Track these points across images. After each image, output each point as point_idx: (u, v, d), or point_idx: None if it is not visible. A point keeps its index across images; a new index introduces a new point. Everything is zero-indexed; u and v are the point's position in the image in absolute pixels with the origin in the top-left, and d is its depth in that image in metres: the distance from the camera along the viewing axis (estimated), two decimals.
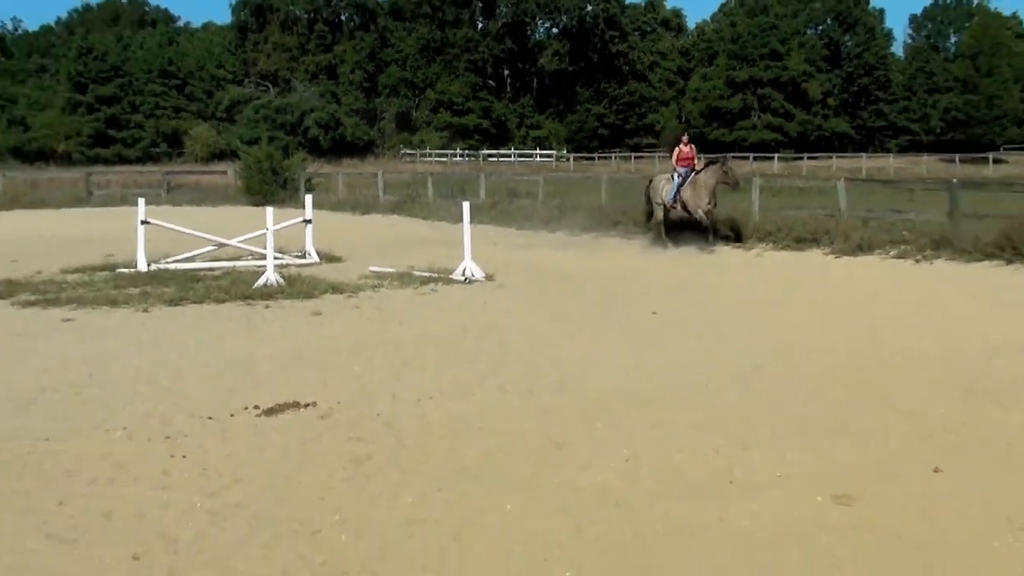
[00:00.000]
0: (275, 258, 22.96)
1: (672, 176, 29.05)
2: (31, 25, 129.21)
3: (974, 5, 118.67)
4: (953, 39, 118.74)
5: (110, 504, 8.47)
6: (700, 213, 27.59)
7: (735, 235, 27.90)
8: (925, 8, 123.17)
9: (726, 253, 26.73)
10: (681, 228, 29.22)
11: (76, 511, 8.34)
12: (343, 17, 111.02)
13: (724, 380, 12.75)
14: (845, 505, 8.21)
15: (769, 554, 7.27)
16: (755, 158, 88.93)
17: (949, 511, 8.05)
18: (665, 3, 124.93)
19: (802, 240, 26.49)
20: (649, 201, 30.04)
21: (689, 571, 7.00)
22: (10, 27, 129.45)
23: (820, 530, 7.71)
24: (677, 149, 29.95)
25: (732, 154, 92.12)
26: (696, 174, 28.12)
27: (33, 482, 9.09)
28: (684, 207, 28.20)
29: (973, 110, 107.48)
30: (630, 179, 47.65)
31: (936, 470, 9.02)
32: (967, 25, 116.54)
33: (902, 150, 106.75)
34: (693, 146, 30.33)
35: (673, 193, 28.44)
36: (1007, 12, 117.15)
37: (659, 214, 29.22)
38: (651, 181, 30.78)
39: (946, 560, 7.09)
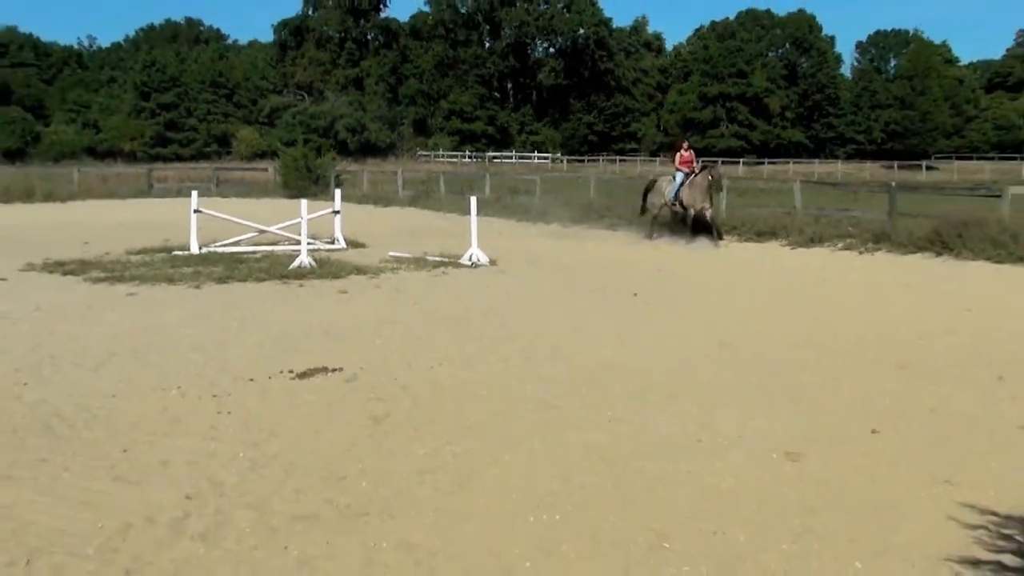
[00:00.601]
0: (308, 243, 22.93)
1: (673, 177, 28.44)
2: (104, 42, 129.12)
3: (910, 34, 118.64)
4: (893, 63, 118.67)
5: (167, 453, 8.50)
6: (694, 211, 27.13)
7: (706, 228, 27.63)
8: (869, 35, 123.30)
9: (697, 243, 26.70)
10: (667, 224, 29.21)
11: (138, 458, 8.38)
12: (369, 37, 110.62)
13: (695, 354, 12.77)
14: (795, 461, 8.23)
15: (730, 503, 7.29)
16: (723, 162, 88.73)
17: (884, 467, 8.07)
18: (647, 27, 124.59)
19: (763, 233, 26.52)
20: (646, 198, 29.44)
21: (662, 517, 7.02)
22: (86, 44, 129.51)
23: (774, 482, 7.74)
24: (679, 154, 29.31)
25: (707, 158, 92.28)
26: (694, 176, 27.53)
27: (102, 432, 9.13)
28: (682, 205, 27.72)
29: (909, 124, 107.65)
30: (615, 179, 47.66)
31: (873, 432, 9.06)
32: (904, 51, 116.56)
33: (849, 157, 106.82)
34: (693, 151, 29.61)
35: (674, 192, 27.93)
36: (938, 41, 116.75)
37: (657, 210, 28.72)
38: (655, 182, 30.11)
39: (880, 508, 7.12)
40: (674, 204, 28.06)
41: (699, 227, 27.22)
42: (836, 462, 8.23)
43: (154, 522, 6.94)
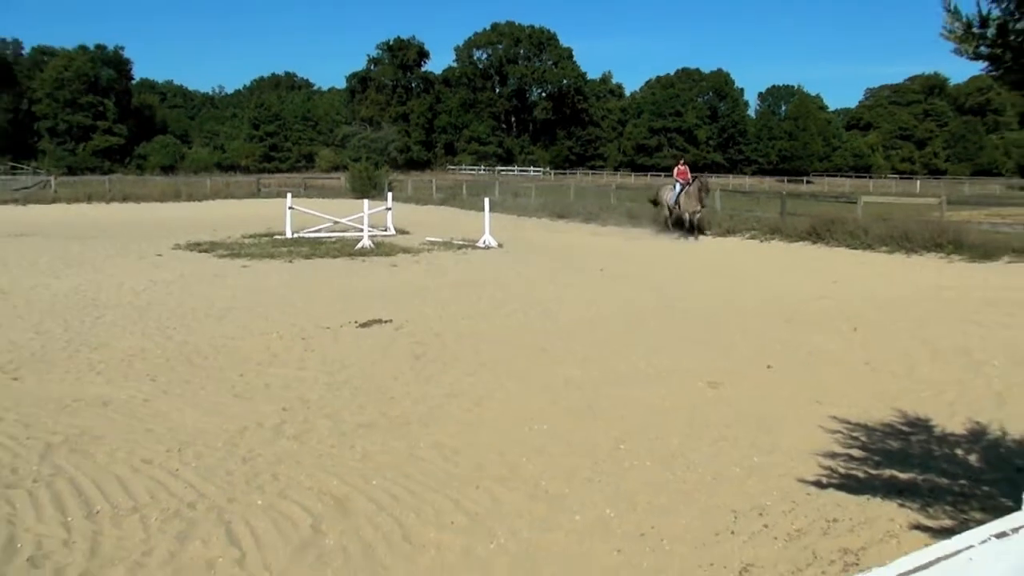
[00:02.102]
0: (368, 231, 22.98)
1: (673, 186, 26.29)
2: (229, 89, 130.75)
3: (795, 88, 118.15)
4: (783, 108, 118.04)
5: (269, 378, 8.54)
6: (688, 214, 24.99)
7: (691, 226, 25.66)
8: (767, 88, 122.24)
9: (645, 232, 26.59)
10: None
11: (250, 381, 8.42)
12: (413, 84, 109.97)
13: (645, 312, 12.78)
14: (714, 388, 8.26)
15: (668, 417, 7.32)
16: (665, 176, 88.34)
17: (775, 393, 8.10)
18: (612, 79, 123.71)
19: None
20: (657, 202, 27.41)
21: (620, 428, 7.05)
22: (217, 90, 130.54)
23: (699, 403, 7.76)
24: (676, 168, 27.30)
25: (651, 173, 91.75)
26: (689, 185, 25.31)
27: (225, 363, 9.17)
28: (680, 208, 25.48)
29: (795, 151, 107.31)
30: (588, 187, 47.49)
31: (768, 367, 9.08)
32: (791, 100, 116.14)
33: (754, 173, 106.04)
34: (688, 167, 27.55)
35: (674, 198, 25.81)
36: (813, 93, 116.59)
37: (664, 213, 26.52)
38: (659, 190, 28.07)
39: (771, 421, 7.15)
40: (674, 207, 25.90)
41: (684, 225, 25.52)
42: (742, 389, 8.25)
43: (262, 426, 7.00)
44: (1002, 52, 3.07)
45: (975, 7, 3.09)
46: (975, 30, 3.10)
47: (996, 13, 3.05)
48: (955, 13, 3.11)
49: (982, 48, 3.13)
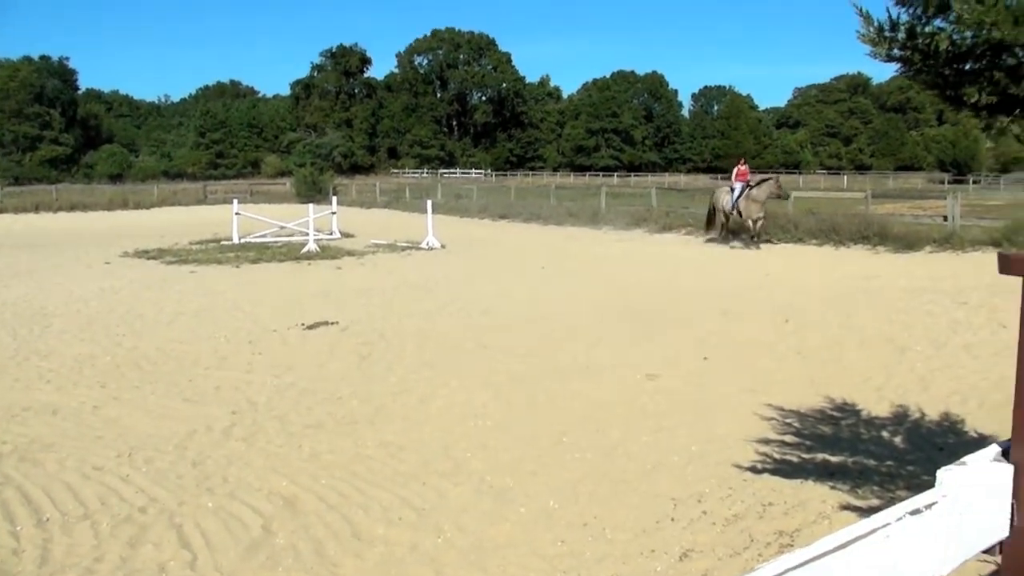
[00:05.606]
0: (314, 235, 22.77)
1: (731, 189, 22.61)
2: (174, 98, 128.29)
3: (727, 88, 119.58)
4: (716, 107, 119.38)
5: (218, 381, 8.42)
6: (750, 221, 21.57)
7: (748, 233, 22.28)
8: (700, 89, 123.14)
9: (585, 231, 26.66)
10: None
11: (198, 385, 8.30)
12: (356, 90, 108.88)
13: (584, 308, 12.84)
14: (653, 380, 8.33)
15: (609, 410, 7.36)
16: (603, 175, 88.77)
17: (711, 383, 8.20)
18: (550, 82, 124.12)
19: (631, 223, 26.55)
20: (713, 208, 23.42)
21: (562, 421, 7.07)
22: (163, 99, 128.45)
23: (638, 395, 7.82)
24: (736, 169, 23.39)
25: (590, 173, 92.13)
26: (750, 189, 21.85)
27: (174, 367, 9.03)
28: (739, 214, 21.98)
29: (728, 149, 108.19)
30: (528, 187, 47.60)
31: (704, 359, 9.18)
32: (723, 100, 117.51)
33: (688, 172, 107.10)
34: (748, 167, 23.86)
35: (732, 203, 22.20)
36: (744, 93, 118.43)
37: (720, 218, 22.93)
38: (714, 193, 24.27)
39: (706, 409, 7.23)
40: (732, 213, 22.31)
41: (746, 232, 22.32)
42: (679, 380, 8.34)
43: (211, 429, 6.90)
44: (911, 54, 3.13)
45: (886, 12, 3.15)
46: (887, 34, 3.16)
47: (905, 17, 3.11)
48: (868, 17, 3.16)
49: (894, 51, 3.19)
